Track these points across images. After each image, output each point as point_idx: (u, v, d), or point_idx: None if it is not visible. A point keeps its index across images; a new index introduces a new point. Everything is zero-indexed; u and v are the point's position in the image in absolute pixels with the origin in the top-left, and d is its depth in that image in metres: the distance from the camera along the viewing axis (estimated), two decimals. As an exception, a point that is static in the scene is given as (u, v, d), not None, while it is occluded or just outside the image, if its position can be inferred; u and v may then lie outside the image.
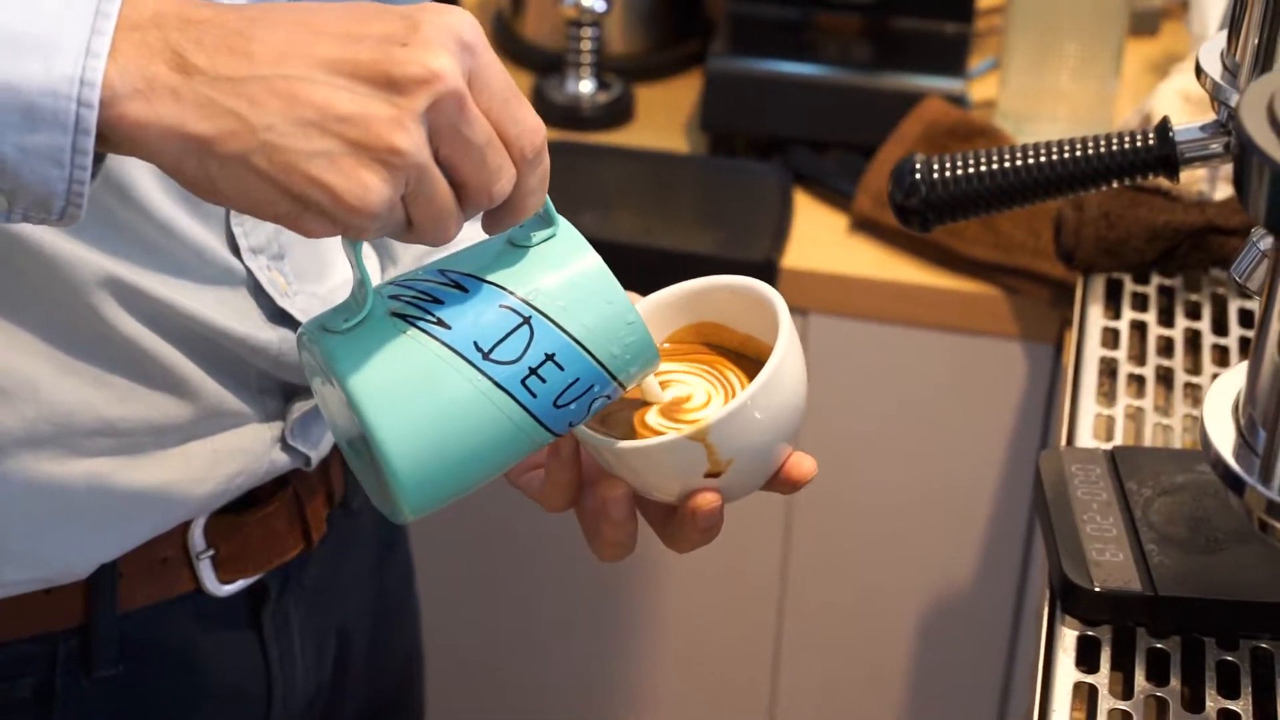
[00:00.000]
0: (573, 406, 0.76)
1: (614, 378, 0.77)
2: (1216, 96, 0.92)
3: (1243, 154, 0.68)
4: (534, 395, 0.74)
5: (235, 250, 0.91)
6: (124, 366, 0.88)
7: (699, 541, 0.84)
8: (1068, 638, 0.95)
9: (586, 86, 1.76)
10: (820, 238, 1.59)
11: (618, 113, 1.76)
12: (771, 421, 0.80)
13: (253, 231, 0.92)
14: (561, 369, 0.75)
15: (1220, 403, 0.77)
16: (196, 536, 0.96)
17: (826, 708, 1.79)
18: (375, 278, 1.03)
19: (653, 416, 0.83)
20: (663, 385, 0.84)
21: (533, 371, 0.74)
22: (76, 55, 0.65)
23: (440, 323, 0.74)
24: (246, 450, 0.95)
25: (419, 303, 0.74)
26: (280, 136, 0.65)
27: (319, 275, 0.97)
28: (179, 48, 0.66)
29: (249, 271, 0.92)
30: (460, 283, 0.75)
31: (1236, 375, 0.78)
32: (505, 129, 0.69)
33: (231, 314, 0.91)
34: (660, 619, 1.79)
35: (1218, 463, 0.74)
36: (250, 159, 0.66)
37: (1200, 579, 0.95)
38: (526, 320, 0.74)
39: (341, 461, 1.06)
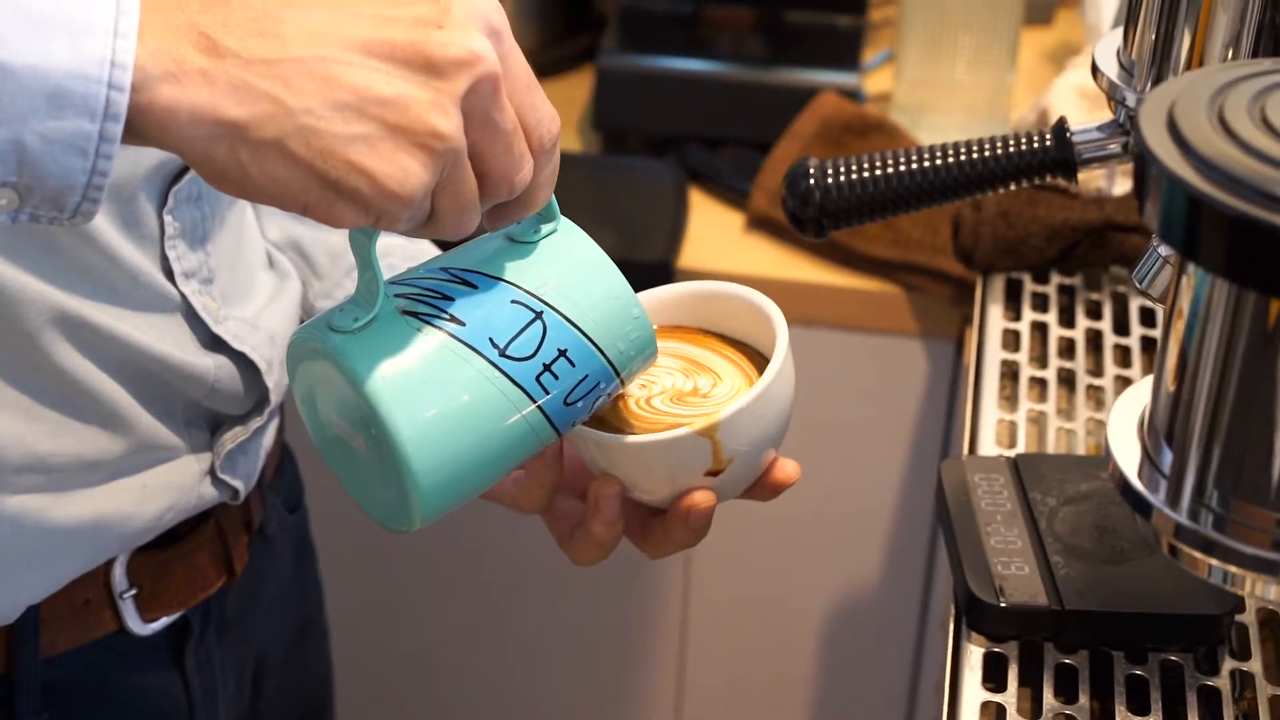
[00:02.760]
0: (580, 405, 0.75)
1: (618, 374, 0.76)
2: (1113, 96, 0.91)
3: (1142, 165, 0.66)
4: (547, 392, 0.73)
5: (169, 275, 0.88)
6: (57, 399, 0.85)
7: (686, 543, 0.83)
8: (974, 655, 0.93)
9: None
10: (716, 237, 1.57)
11: None
12: (773, 421, 0.80)
13: (185, 255, 0.89)
14: (573, 365, 0.73)
15: (1125, 420, 0.74)
16: (119, 575, 0.93)
17: (732, 710, 1.77)
18: (292, 299, 0.99)
19: (637, 407, 0.82)
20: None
21: (546, 368, 0.73)
22: (105, 36, 0.61)
23: (454, 319, 0.72)
24: (176, 484, 0.93)
25: (429, 300, 0.72)
26: (318, 120, 0.63)
27: (243, 299, 0.95)
28: (206, 29, 0.63)
29: (183, 296, 0.89)
30: (467, 279, 0.73)
31: (1142, 390, 0.75)
32: (526, 117, 0.68)
33: (168, 341, 0.88)
34: (564, 623, 1.77)
35: (1123, 484, 0.71)
36: (287, 143, 0.63)
37: (1107, 591, 0.93)
38: (539, 315, 0.73)
39: (260, 488, 1.03)
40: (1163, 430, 0.71)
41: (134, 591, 0.94)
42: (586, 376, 0.74)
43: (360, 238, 0.70)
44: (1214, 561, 0.69)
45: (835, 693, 1.73)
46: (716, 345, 0.87)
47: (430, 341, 0.71)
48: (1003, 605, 0.92)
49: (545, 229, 0.76)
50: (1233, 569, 0.69)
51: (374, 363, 0.70)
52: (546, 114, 0.69)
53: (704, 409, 0.81)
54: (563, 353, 0.73)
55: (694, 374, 0.84)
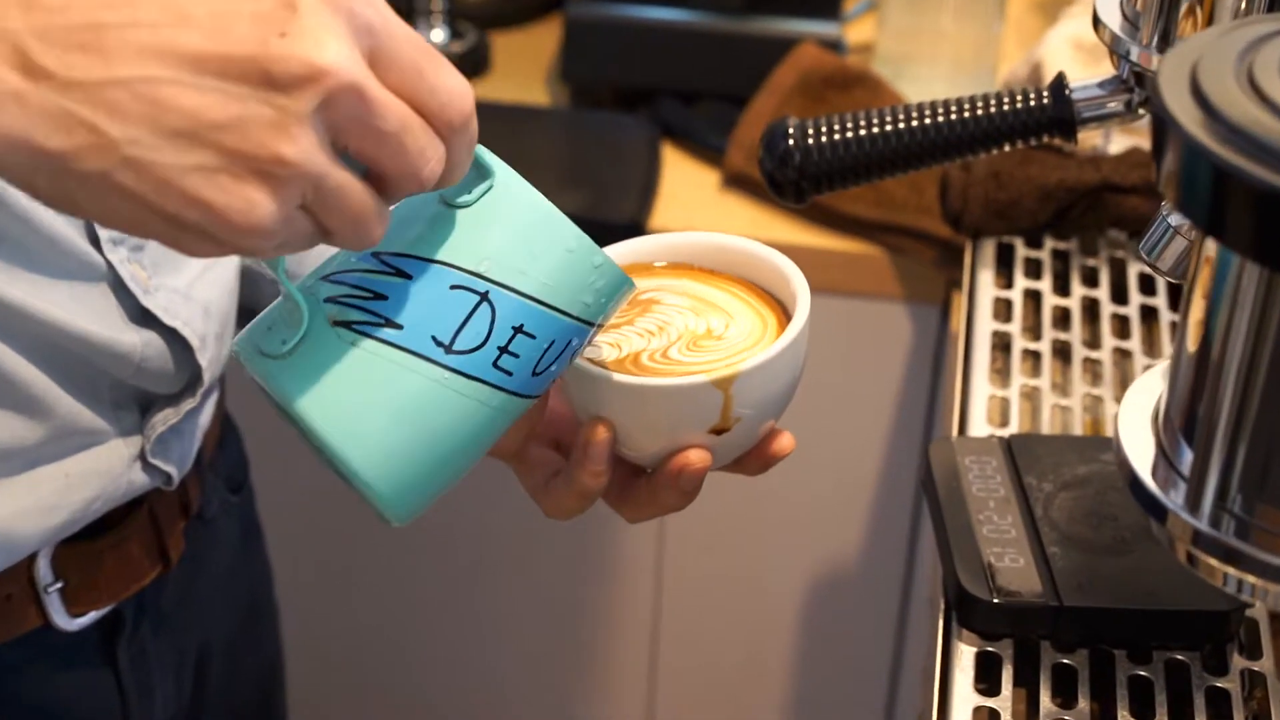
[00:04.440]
0: (553, 368, 0.70)
1: (590, 323, 0.70)
2: (1115, 49, 0.86)
3: (1161, 131, 0.58)
4: (509, 374, 0.68)
5: (94, 240, 0.82)
6: None
7: (672, 506, 0.78)
8: (965, 654, 0.88)
9: (438, 35, 1.68)
10: (690, 196, 1.52)
11: (473, 63, 1.68)
12: (787, 384, 0.76)
13: None
14: (533, 337, 0.68)
15: (1136, 411, 0.68)
16: (43, 568, 0.88)
17: (707, 689, 1.73)
18: (229, 267, 0.94)
19: (650, 360, 0.76)
20: (645, 302, 0.79)
21: (503, 350, 0.67)
22: None
23: (389, 323, 0.66)
24: (103, 472, 0.87)
25: (360, 303, 0.66)
26: (147, 150, 0.57)
27: (176, 267, 0.89)
28: (22, 43, 0.56)
29: (109, 265, 0.83)
30: (401, 267, 0.67)
31: (1154, 378, 0.69)
32: (424, 104, 0.61)
33: (90, 315, 0.82)
34: (531, 601, 1.73)
35: (1134, 484, 0.64)
36: (114, 176, 0.57)
37: (1108, 585, 0.88)
38: (484, 296, 0.67)
39: (198, 469, 0.98)
40: (1181, 426, 0.64)
41: (60, 585, 0.88)
42: (552, 343, 0.69)
43: (270, 261, 0.64)
44: (1236, 572, 0.62)
45: (813, 673, 1.69)
46: (727, 284, 0.81)
47: (368, 356, 0.66)
48: (996, 601, 0.87)
49: (481, 187, 0.69)
50: (1255, 580, 0.62)
51: (309, 388, 0.65)
52: (454, 91, 0.62)
53: (717, 355, 0.76)
54: (518, 329, 0.67)
55: (705, 313, 0.79)
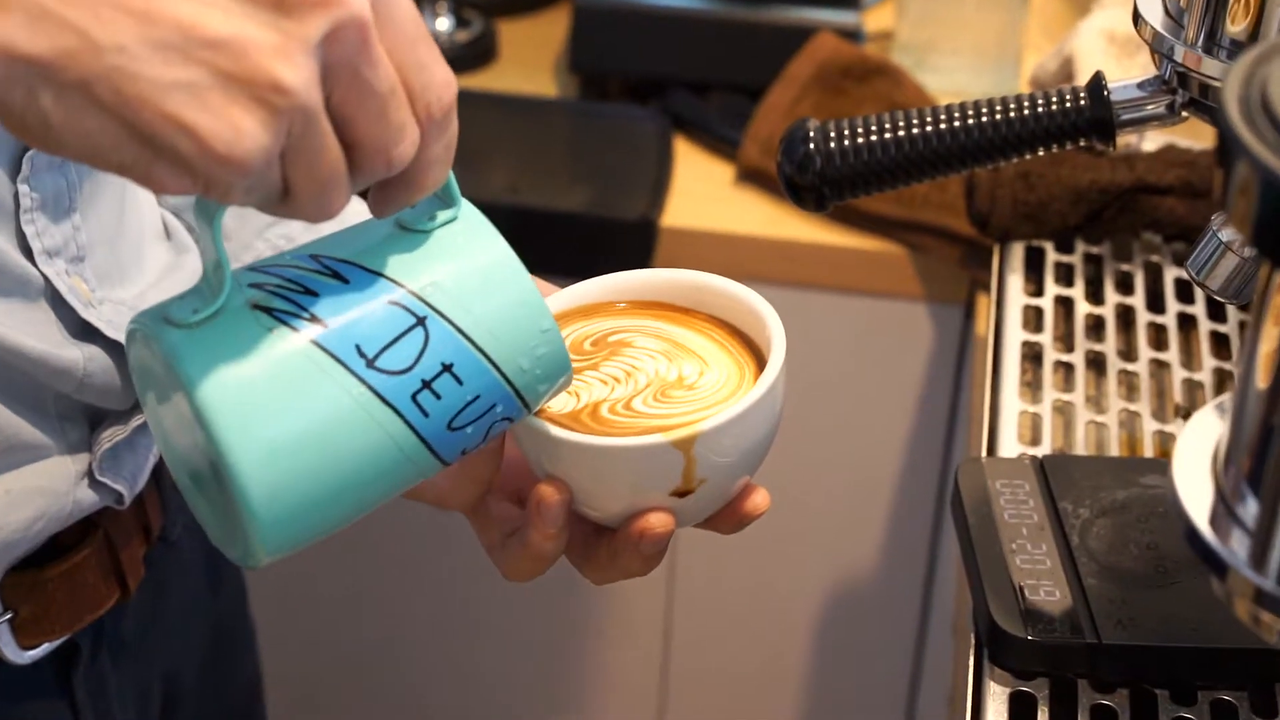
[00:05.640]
0: (469, 430, 0.64)
1: (520, 397, 0.65)
2: (1157, 48, 0.82)
3: (1228, 155, 0.53)
4: (425, 414, 0.62)
5: (28, 254, 0.78)
6: None
7: (634, 571, 0.73)
8: (997, 694, 0.83)
9: (443, 24, 1.64)
10: (703, 191, 1.48)
11: (479, 53, 1.64)
12: (758, 442, 0.70)
13: (46, 231, 0.78)
14: (460, 383, 0.63)
15: (1193, 451, 0.62)
16: None
17: (718, 700, 1.70)
18: (189, 275, 0.89)
19: (610, 413, 0.71)
20: (614, 344, 0.74)
21: (426, 385, 0.62)
22: None
23: (314, 319, 0.61)
24: (46, 490, 0.81)
25: (287, 293, 0.61)
26: (131, 60, 0.53)
27: (124, 278, 0.84)
28: None
29: (45, 279, 0.78)
30: (339, 271, 0.62)
31: (1213, 416, 0.63)
32: (410, 79, 0.58)
33: (27, 330, 0.77)
34: (539, 607, 1.69)
35: (1193, 537, 0.59)
36: (92, 88, 0.53)
37: (1150, 621, 0.83)
38: (421, 321, 0.62)
39: (159, 489, 0.93)
40: (1247, 472, 0.58)
41: (9, 616, 0.83)
42: (477, 397, 0.63)
43: (203, 211, 0.59)
44: (1305, 634, 0.57)
45: (829, 685, 1.66)
46: (703, 325, 0.76)
47: (282, 345, 0.60)
48: (1030, 638, 0.82)
49: (443, 216, 0.64)
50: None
51: (210, 365, 0.59)
52: (439, 77, 0.59)
53: (684, 409, 0.70)
54: (447, 368, 0.62)
55: (678, 358, 0.73)
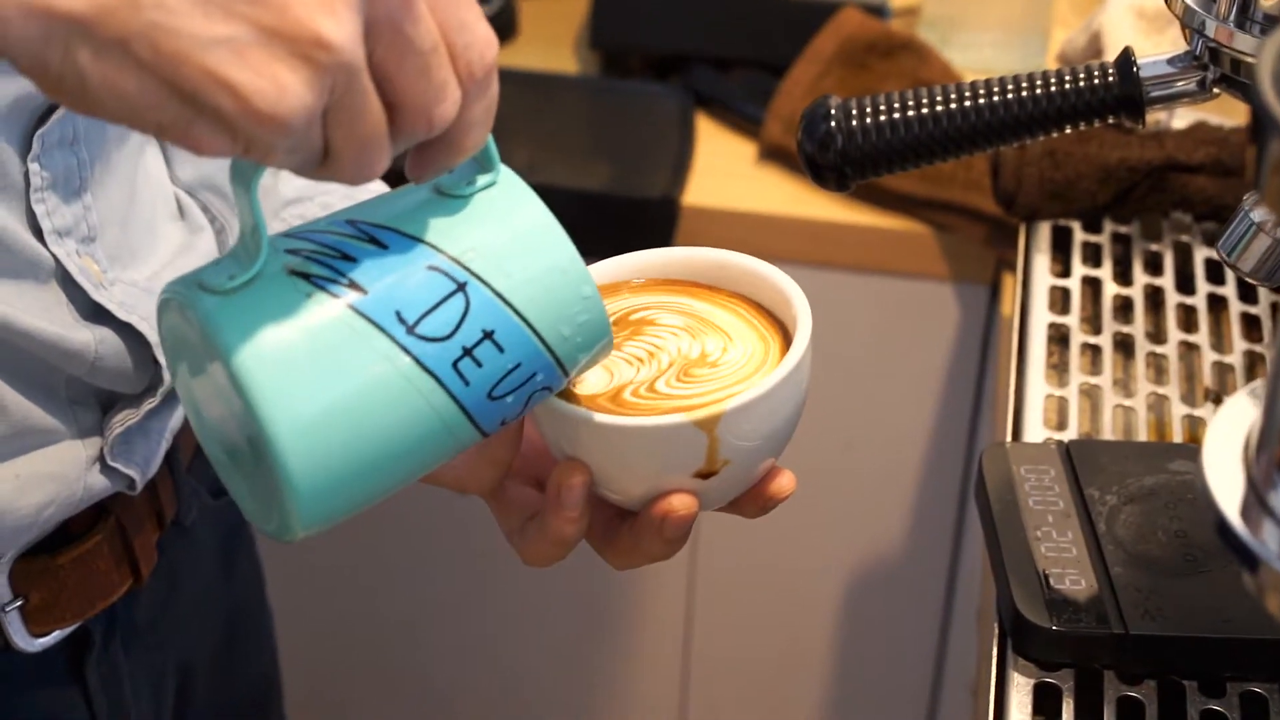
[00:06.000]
0: (510, 399, 0.63)
1: (560, 364, 0.64)
2: (1188, 23, 0.80)
3: (1261, 131, 0.51)
4: (466, 383, 0.61)
5: (38, 234, 0.76)
6: None
7: (657, 555, 0.71)
8: (1021, 685, 0.81)
9: None
10: (725, 169, 1.46)
11: (498, 28, 1.57)
12: (784, 422, 0.69)
13: (58, 210, 0.77)
14: (501, 351, 0.61)
15: (1224, 440, 0.60)
16: (0, 585, 0.81)
17: (741, 685, 1.69)
18: (203, 256, 0.88)
19: (633, 396, 0.69)
20: (636, 322, 0.73)
21: (467, 352, 0.61)
22: None
23: (353, 285, 0.59)
24: (57, 475, 0.80)
25: (324, 259, 0.60)
26: (170, 16, 0.52)
27: (135, 259, 0.83)
28: None
29: (56, 260, 0.77)
30: (377, 237, 0.61)
31: (1244, 403, 0.61)
32: (452, 37, 0.57)
33: (38, 312, 0.76)
34: (559, 591, 1.67)
35: (1224, 529, 0.57)
36: (131, 45, 0.52)
37: (1178, 611, 0.82)
38: (461, 287, 0.61)
39: (172, 474, 0.91)
40: (1278, 459, 0.56)
41: (19, 603, 0.82)
42: (519, 365, 0.62)
43: (240, 174, 0.58)
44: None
45: (851, 670, 1.64)
46: (726, 301, 0.74)
47: (321, 311, 0.59)
48: (1055, 628, 0.81)
49: (481, 181, 0.63)
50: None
51: (248, 332, 0.58)
52: (480, 35, 0.57)
53: (708, 388, 0.68)
54: (488, 335, 0.61)
55: (701, 334, 0.72)
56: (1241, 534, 0.57)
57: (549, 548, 0.72)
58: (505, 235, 0.62)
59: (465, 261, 0.61)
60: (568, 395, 0.69)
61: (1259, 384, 0.61)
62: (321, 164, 0.56)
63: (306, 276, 0.59)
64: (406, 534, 1.65)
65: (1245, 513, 0.58)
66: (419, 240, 0.61)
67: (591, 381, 0.70)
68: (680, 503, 0.68)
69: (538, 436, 0.73)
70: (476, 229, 0.62)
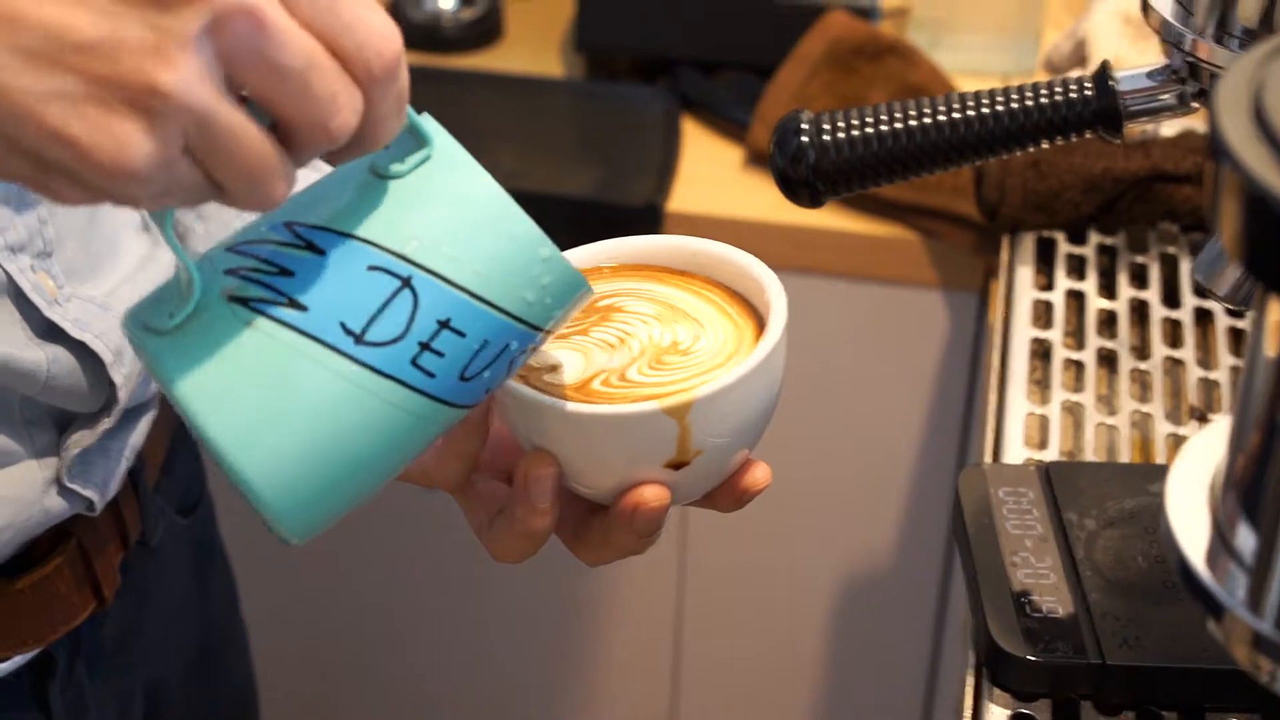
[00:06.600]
0: (486, 374, 0.61)
1: (533, 327, 0.61)
2: (1166, 37, 0.78)
3: (1217, 161, 0.49)
4: (431, 375, 0.59)
5: None
6: None
7: (628, 549, 0.69)
8: (998, 715, 0.79)
9: (448, 2, 1.60)
10: (711, 175, 1.44)
11: (484, 32, 1.60)
12: (758, 410, 0.67)
13: (10, 224, 0.75)
14: (462, 335, 0.59)
15: (1189, 479, 0.58)
16: None
17: (731, 687, 1.67)
18: (165, 269, 0.85)
19: (602, 385, 0.68)
20: (604, 309, 0.71)
21: (424, 347, 0.59)
22: None
23: (293, 304, 0.58)
24: (13, 498, 0.79)
25: (262, 277, 0.58)
26: (1, 73, 0.50)
27: (95, 272, 0.81)
28: None
29: (8, 276, 0.75)
30: (314, 241, 0.58)
31: (1212, 440, 0.59)
32: (339, 43, 0.54)
33: None
34: (547, 592, 1.66)
35: (1186, 573, 0.55)
36: None
37: (1157, 640, 0.80)
38: (406, 282, 0.58)
39: (137, 494, 0.90)
40: (1243, 501, 0.54)
41: None
42: (486, 343, 0.60)
43: (152, 215, 0.56)
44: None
45: (843, 672, 1.63)
46: (700, 288, 0.72)
47: (264, 339, 0.57)
48: (1031, 658, 0.79)
49: (417, 156, 0.60)
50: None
51: (193, 371, 0.57)
52: (373, 32, 0.54)
53: (679, 376, 0.67)
54: (444, 324, 0.59)
55: (673, 321, 0.70)
56: (1204, 579, 0.55)
57: (518, 542, 0.70)
58: (446, 214, 0.59)
59: (407, 254, 0.58)
60: (535, 385, 0.67)
61: (1225, 421, 0.59)
62: (216, 198, 0.54)
63: (245, 302, 0.57)
64: (390, 539, 1.64)
65: (1210, 558, 0.56)
66: (357, 239, 0.59)
67: (561, 370, 0.68)
68: (652, 494, 0.66)
69: (506, 429, 0.71)
70: (415, 213, 0.59)
